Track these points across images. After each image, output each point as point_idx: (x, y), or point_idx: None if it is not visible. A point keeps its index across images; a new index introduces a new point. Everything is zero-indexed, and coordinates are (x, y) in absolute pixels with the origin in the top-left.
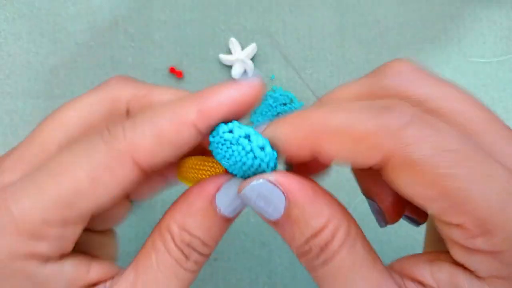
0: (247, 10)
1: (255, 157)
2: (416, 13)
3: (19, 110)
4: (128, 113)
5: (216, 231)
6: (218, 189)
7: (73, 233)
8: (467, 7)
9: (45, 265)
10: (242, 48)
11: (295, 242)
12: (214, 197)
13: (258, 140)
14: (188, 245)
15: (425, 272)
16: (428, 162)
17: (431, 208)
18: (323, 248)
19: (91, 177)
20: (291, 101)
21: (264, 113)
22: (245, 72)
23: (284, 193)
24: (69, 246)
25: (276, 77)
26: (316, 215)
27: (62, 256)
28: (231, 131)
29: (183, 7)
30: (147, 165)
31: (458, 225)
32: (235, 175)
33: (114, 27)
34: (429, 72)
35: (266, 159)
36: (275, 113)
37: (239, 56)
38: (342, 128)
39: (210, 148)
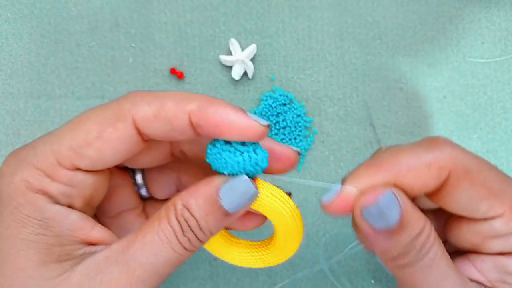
0: (247, 11)
1: (250, 159)
2: (415, 14)
3: (21, 110)
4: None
5: (213, 221)
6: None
7: (82, 183)
8: (466, 8)
9: (53, 205)
10: (242, 49)
11: (399, 244)
12: (219, 188)
13: (251, 145)
14: (186, 221)
15: (468, 267)
16: (479, 170)
17: (481, 208)
18: (424, 243)
19: (99, 130)
20: (291, 101)
21: (264, 113)
22: (245, 72)
23: (400, 203)
24: (78, 199)
25: (275, 78)
26: (418, 217)
27: (71, 206)
28: (228, 142)
29: (183, 8)
30: (144, 130)
31: (499, 215)
32: (241, 173)
33: (115, 28)
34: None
35: (260, 159)
36: (274, 113)
37: (239, 57)
38: (416, 163)
39: (208, 159)
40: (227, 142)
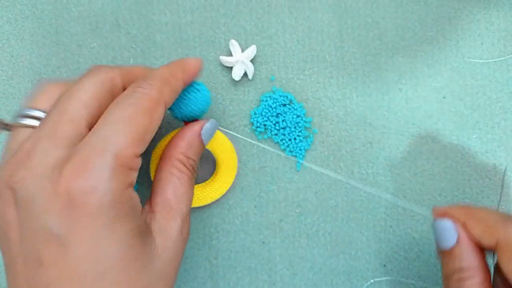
0: (247, 12)
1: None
2: (414, 15)
3: None
4: (124, 88)
5: (200, 154)
6: (201, 128)
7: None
8: (465, 9)
9: (133, 191)
10: (242, 50)
11: (445, 266)
12: (200, 133)
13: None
14: (191, 166)
15: None
16: None
17: None
18: (463, 279)
19: (149, 116)
20: (291, 102)
21: (264, 113)
22: (245, 73)
23: (458, 232)
24: None
25: (275, 78)
26: (471, 257)
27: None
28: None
29: (183, 9)
30: (168, 104)
31: None
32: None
33: (115, 28)
34: None
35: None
36: (274, 114)
37: (239, 58)
38: (486, 221)
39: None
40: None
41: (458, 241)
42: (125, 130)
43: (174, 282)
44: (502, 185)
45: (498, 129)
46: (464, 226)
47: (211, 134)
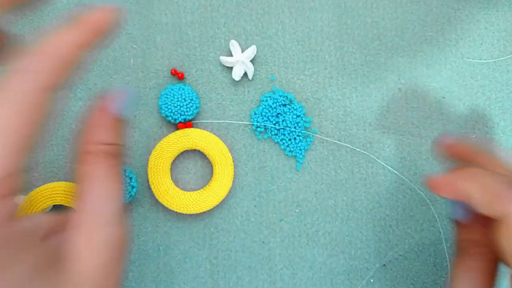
0: (247, 13)
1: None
2: (414, 15)
3: None
4: None
5: (122, 131)
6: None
7: None
8: (464, 9)
9: (19, 219)
10: (242, 50)
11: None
12: (113, 108)
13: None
14: (113, 152)
15: None
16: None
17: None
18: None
19: (26, 116)
20: (291, 102)
21: (264, 113)
22: (245, 73)
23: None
24: None
25: (275, 78)
26: None
27: None
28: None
29: (184, 10)
30: (62, 85)
31: None
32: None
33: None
34: None
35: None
36: (274, 114)
37: (239, 58)
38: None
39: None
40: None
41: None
42: None
43: None
44: None
45: (498, 129)
46: (467, 195)
47: (131, 106)
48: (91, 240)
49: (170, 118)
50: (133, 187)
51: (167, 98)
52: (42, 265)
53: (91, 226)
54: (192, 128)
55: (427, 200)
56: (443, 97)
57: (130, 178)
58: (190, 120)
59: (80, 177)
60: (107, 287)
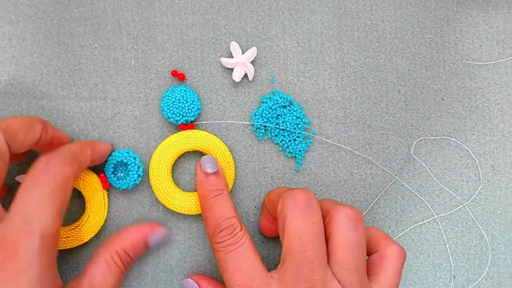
0: (248, 14)
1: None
2: (413, 17)
3: (24, 111)
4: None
5: (140, 255)
6: (151, 234)
7: None
8: (463, 11)
9: (56, 270)
10: (243, 52)
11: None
12: (148, 238)
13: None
14: (128, 263)
15: None
16: (280, 212)
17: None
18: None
19: (65, 193)
20: (291, 103)
21: (264, 115)
22: (245, 75)
23: None
24: None
25: (275, 80)
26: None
27: None
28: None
29: (185, 11)
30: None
31: None
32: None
33: (117, 30)
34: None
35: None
36: (274, 115)
37: (240, 59)
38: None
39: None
40: None
41: None
42: (46, 209)
43: None
44: None
45: (497, 131)
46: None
47: (158, 244)
48: None
49: (172, 120)
50: (139, 175)
51: (169, 99)
52: None
53: None
54: (194, 130)
55: (426, 202)
56: (442, 99)
57: (138, 167)
58: (191, 122)
59: (97, 260)
60: None
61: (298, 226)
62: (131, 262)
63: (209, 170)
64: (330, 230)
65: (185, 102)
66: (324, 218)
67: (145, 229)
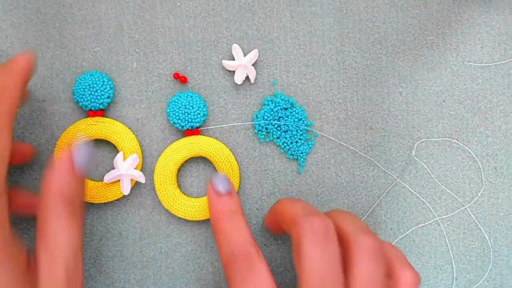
0: (249, 17)
1: None
2: (415, 19)
3: (25, 114)
4: None
5: (82, 186)
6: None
7: None
8: (465, 13)
9: None
10: (244, 54)
11: None
12: (74, 167)
13: None
14: (72, 204)
15: None
16: (295, 239)
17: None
18: None
19: None
20: (292, 105)
21: (265, 117)
22: (247, 77)
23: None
24: None
25: (277, 82)
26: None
27: None
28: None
29: (186, 14)
30: (14, 112)
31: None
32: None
33: (119, 33)
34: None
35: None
36: (276, 117)
37: (242, 62)
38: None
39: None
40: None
41: None
42: None
43: None
44: None
45: (499, 132)
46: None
47: (86, 160)
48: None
49: (177, 125)
50: (109, 96)
51: (175, 105)
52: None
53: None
54: (199, 136)
55: (427, 204)
56: (444, 101)
57: (111, 87)
58: (197, 127)
59: (39, 226)
60: None
61: (317, 262)
62: (78, 201)
63: (222, 190)
64: (351, 262)
65: (191, 108)
66: (340, 240)
67: (66, 163)
